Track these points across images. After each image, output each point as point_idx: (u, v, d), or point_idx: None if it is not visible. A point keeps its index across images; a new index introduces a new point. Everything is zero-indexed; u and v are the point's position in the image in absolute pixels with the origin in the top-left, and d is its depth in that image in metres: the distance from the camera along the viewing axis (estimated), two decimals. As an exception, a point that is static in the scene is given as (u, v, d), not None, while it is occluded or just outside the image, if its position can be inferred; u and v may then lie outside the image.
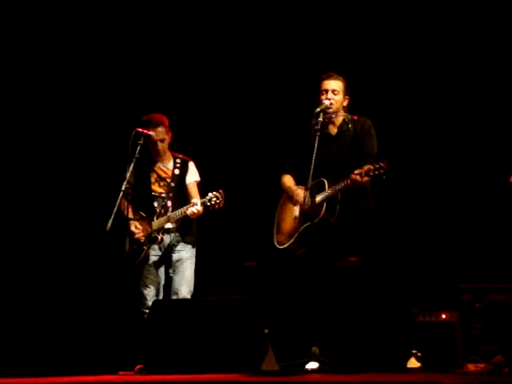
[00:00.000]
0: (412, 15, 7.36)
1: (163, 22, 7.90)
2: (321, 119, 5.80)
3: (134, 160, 6.10)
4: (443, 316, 6.38)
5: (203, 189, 6.33)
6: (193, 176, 6.38)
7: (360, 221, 5.81)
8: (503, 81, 7.10)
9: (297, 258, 5.99)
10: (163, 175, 6.39)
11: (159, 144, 6.31)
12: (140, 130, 6.16)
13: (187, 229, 6.34)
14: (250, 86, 7.77)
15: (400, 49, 7.39)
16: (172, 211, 6.25)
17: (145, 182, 6.37)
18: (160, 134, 6.30)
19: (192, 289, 6.30)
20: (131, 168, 6.17)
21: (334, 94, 5.95)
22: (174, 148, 6.46)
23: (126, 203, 6.25)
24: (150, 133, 6.20)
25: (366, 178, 5.53)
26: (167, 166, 6.41)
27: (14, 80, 7.79)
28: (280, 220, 6.11)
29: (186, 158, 6.46)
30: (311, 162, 5.63)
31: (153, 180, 6.38)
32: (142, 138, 6.14)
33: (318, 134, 5.74)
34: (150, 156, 6.40)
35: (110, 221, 5.87)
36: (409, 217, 7.22)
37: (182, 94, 7.77)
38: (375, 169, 5.45)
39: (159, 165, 6.41)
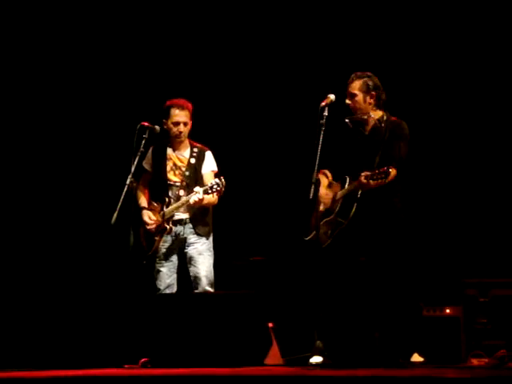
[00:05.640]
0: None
1: (172, 17, 7.85)
2: (326, 114, 5.79)
3: (139, 154, 6.07)
4: (447, 310, 6.39)
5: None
6: (209, 166, 6.33)
7: (376, 219, 5.76)
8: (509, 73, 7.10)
9: (308, 254, 5.98)
10: (179, 163, 6.35)
11: (182, 127, 6.28)
12: (145, 123, 6.14)
13: (200, 219, 6.27)
14: (272, 80, 7.70)
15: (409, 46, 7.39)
16: None
17: (161, 170, 6.34)
18: (184, 116, 6.28)
19: (212, 280, 6.22)
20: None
21: (351, 97, 5.92)
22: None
23: (141, 191, 6.33)
24: (155, 126, 6.19)
25: (372, 182, 5.50)
26: (184, 154, 6.37)
27: (18, 70, 7.76)
28: (313, 213, 6.12)
29: (203, 147, 6.41)
30: (316, 155, 5.63)
31: (168, 168, 6.34)
32: (147, 132, 6.11)
33: (323, 128, 5.73)
34: (167, 144, 6.38)
35: (115, 214, 5.86)
36: (414, 212, 7.21)
37: (193, 87, 7.65)
38: (379, 173, 5.45)
39: (176, 153, 6.37)
